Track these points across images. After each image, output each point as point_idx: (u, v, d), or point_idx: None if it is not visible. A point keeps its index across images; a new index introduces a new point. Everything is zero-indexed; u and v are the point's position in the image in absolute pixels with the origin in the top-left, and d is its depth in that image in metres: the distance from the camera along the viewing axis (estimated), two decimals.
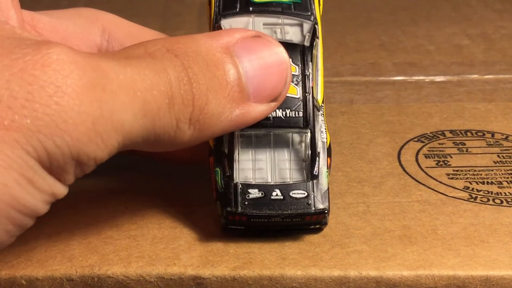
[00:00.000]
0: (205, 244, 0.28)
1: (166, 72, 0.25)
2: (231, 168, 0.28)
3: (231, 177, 0.28)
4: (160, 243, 0.28)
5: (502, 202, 0.31)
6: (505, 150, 0.35)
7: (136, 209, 0.31)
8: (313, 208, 0.27)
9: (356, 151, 0.36)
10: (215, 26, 0.29)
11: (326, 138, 0.29)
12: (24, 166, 0.22)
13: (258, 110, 0.27)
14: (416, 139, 0.37)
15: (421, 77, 0.44)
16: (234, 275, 0.27)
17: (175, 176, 0.33)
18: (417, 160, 0.35)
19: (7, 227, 0.23)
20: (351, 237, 0.29)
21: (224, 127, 0.26)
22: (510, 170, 0.34)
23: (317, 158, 0.28)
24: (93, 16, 0.32)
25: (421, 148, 0.36)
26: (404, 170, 0.34)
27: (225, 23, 0.29)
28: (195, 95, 0.25)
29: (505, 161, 0.34)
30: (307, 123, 0.28)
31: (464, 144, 0.36)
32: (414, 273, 0.27)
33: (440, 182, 0.33)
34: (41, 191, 0.23)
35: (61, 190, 0.24)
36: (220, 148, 0.28)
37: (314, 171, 0.28)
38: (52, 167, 0.23)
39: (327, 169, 0.29)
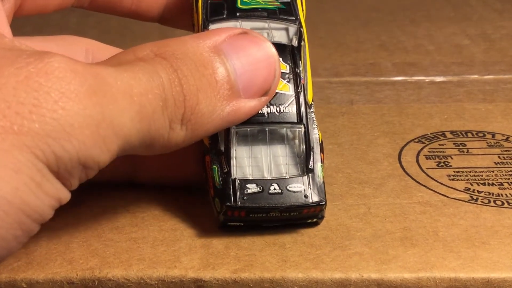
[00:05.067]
0: (206, 247, 0.28)
1: (159, 75, 0.25)
2: (229, 164, 0.28)
3: (229, 173, 0.28)
4: (160, 245, 0.28)
5: (503, 203, 0.31)
6: (506, 151, 0.35)
7: (137, 211, 0.31)
8: (311, 201, 0.28)
9: (356, 152, 0.36)
10: (204, 31, 0.29)
11: (318, 135, 0.30)
12: (34, 170, 0.23)
13: (249, 105, 0.27)
14: (416, 140, 0.36)
15: (421, 77, 0.44)
16: (235, 278, 0.27)
17: None
18: (417, 161, 0.35)
19: (16, 233, 0.23)
20: (352, 239, 0.29)
21: (216, 125, 0.27)
22: (511, 171, 0.33)
23: (312, 152, 0.29)
24: (75, 39, 0.33)
25: (421, 149, 0.36)
26: (405, 171, 0.34)
27: (214, 27, 0.30)
28: (186, 96, 0.26)
29: (506, 162, 0.34)
30: (300, 118, 0.29)
31: (465, 145, 0.36)
32: (415, 275, 0.27)
33: (441, 184, 0.33)
34: (49, 195, 0.24)
35: (66, 195, 0.25)
36: (216, 146, 0.29)
37: (310, 165, 0.29)
38: (60, 171, 0.23)
39: (321, 163, 0.29)
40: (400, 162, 0.34)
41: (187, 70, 0.26)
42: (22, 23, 0.50)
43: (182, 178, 0.32)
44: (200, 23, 0.30)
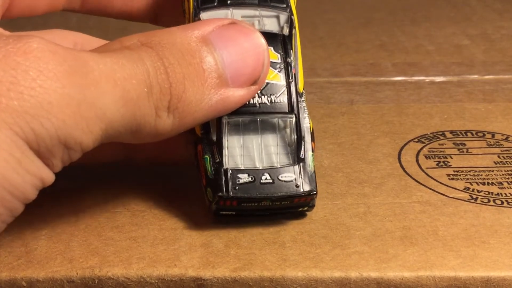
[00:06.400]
0: (205, 246, 0.28)
1: (143, 62, 0.26)
2: (221, 154, 0.28)
3: (221, 163, 0.28)
4: (160, 244, 0.28)
5: (502, 202, 0.31)
6: (506, 150, 0.35)
7: (137, 210, 0.31)
8: (302, 190, 0.28)
9: (356, 151, 0.36)
10: (195, 20, 0.30)
11: (310, 123, 0.30)
12: (13, 146, 0.23)
13: (238, 94, 0.28)
14: (416, 140, 0.37)
15: (421, 78, 0.44)
16: (235, 277, 0.27)
17: (175, 177, 0.33)
18: (417, 160, 0.35)
19: None
20: (351, 238, 0.29)
21: (205, 114, 0.27)
22: (510, 170, 0.34)
23: (303, 142, 0.29)
24: (64, 33, 0.34)
25: (421, 149, 0.36)
26: (405, 171, 0.34)
27: (205, 16, 0.30)
28: (171, 83, 0.26)
29: (506, 161, 0.34)
30: (292, 108, 0.29)
31: (465, 144, 0.36)
32: (415, 274, 0.27)
33: (441, 183, 0.33)
34: (30, 173, 0.24)
35: (49, 176, 0.25)
36: (208, 135, 0.29)
37: (301, 155, 0.29)
38: (40, 150, 0.24)
39: (312, 152, 0.29)
40: (400, 162, 0.34)
41: (173, 59, 0.26)
42: (22, 24, 0.50)
43: (178, 158, 0.32)
44: (191, 11, 0.30)
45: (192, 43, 0.27)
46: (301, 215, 0.30)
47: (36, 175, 0.24)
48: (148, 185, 0.32)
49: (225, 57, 0.27)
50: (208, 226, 0.29)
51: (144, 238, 0.29)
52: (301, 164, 0.29)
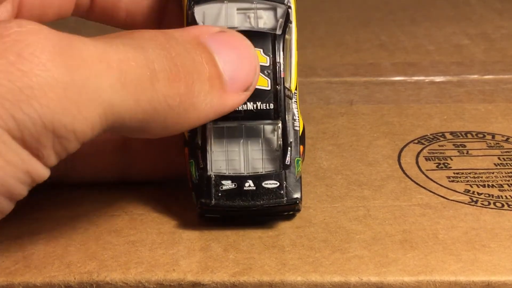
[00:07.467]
0: (204, 250, 0.28)
1: (144, 49, 0.24)
2: (205, 160, 0.28)
3: (205, 169, 0.28)
4: (159, 248, 0.28)
5: (503, 205, 0.31)
6: (506, 152, 0.35)
7: (135, 214, 0.30)
8: (285, 198, 0.28)
9: (356, 153, 0.35)
10: (188, 13, 0.29)
11: (299, 126, 0.29)
12: None
13: (233, 99, 0.27)
14: (416, 141, 0.36)
15: (421, 78, 0.44)
16: (234, 281, 0.27)
17: (174, 181, 0.33)
18: (417, 162, 0.34)
19: None
20: (351, 242, 0.29)
21: (206, 114, 0.26)
22: (510, 172, 0.33)
23: (289, 148, 0.29)
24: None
25: (421, 150, 0.35)
26: (405, 173, 0.33)
27: (198, 9, 0.29)
28: (181, 72, 0.25)
29: (506, 163, 0.34)
30: (278, 114, 0.28)
31: (465, 146, 0.36)
32: (415, 278, 0.27)
33: (441, 185, 0.32)
34: (13, 165, 0.22)
35: (38, 169, 0.23)
36: (194, 139, 0.29)
37: (286, 161, 0.28)
38: (25, 138, 0.22)
39: (300, 157, 0.29)
40: (399, 164, 0.34)
41: (179, 50, 0.25)
42: None
43: (175, 173, 0.32)
44: (186, 2, 0.29)
45: (193, 41, 0.26)
46: (287, 218, 0.30)
47: (21, 168, 0.22)
48: (146, 189, 0.32)
49: (223, 60, 0.27)
50: (207, 230, 0.29)
51: (142, 242, 0.29)
52: (286, 171, 0.28)
